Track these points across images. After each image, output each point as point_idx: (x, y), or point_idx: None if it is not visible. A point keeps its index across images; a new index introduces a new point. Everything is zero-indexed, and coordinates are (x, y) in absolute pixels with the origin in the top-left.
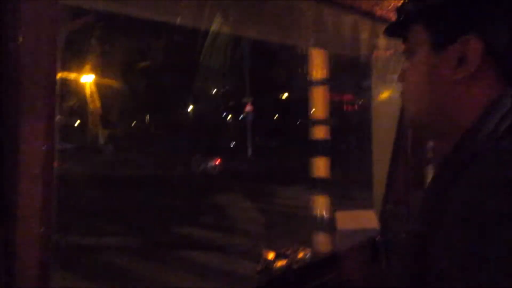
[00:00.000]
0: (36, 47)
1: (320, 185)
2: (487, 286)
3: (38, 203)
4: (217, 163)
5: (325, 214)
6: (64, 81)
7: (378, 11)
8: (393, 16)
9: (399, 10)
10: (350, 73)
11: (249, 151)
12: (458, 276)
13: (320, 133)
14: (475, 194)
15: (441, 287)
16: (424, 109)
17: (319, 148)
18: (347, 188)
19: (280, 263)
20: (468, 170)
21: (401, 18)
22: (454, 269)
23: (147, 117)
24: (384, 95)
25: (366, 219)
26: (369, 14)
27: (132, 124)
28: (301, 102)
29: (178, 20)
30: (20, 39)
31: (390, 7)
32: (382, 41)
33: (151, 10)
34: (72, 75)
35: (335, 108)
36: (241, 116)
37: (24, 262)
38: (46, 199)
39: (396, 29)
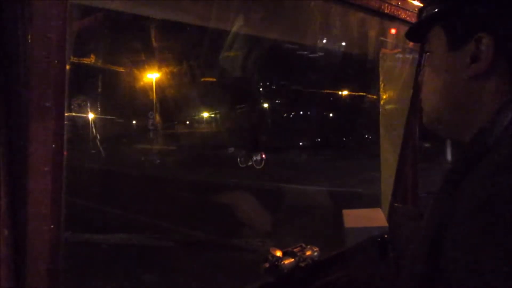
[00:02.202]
0: (45, 46)
1: None
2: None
3: (48, 201)
4: (263, 157)
5: None
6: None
7: (386, 9)
8: (401, 14)
9: (418, 13)
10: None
11: None
12: (472, 267)
13: None
14: (486, 185)
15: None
16: (440, 106)
17: None
18: None
19: (288, 261)
20: (481, 163)
21: (421, 21)
22: (468, 260)
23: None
24: (392, 93)
25: (374, 218)
26: (377, 12)
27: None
28: None
29: (184, 19)
30: (30, 38)
31: (398, 5)
32: (390, 39)
33: (161, 9)
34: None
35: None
36: None
37: (34, 260)
38: (56, 197)
39: (416, 32)
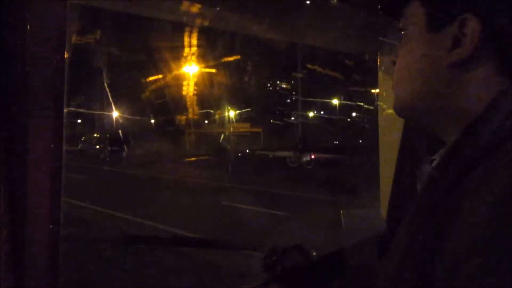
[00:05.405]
0: (44, 46)
1: None
2: None
3: (47, 200)
4: (312, 157)
5: None
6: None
7: None
8: None
9: None
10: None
11: None
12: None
13: None
14: (495, 208)
15: None
16: (415, 93)
17: None
18: None
19: (286, 261)
20: (479, 172)
21: None
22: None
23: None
24: (391, 93)
25: (373, 218)
26: (376, 12)
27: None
28: None
29: (184, 19)
30: (29, 38)
31: None
32: (389, 38)
33: (159, 10)
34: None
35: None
36: None
37: (32, 259)
38: (55, 197)
39: (392, 5)
